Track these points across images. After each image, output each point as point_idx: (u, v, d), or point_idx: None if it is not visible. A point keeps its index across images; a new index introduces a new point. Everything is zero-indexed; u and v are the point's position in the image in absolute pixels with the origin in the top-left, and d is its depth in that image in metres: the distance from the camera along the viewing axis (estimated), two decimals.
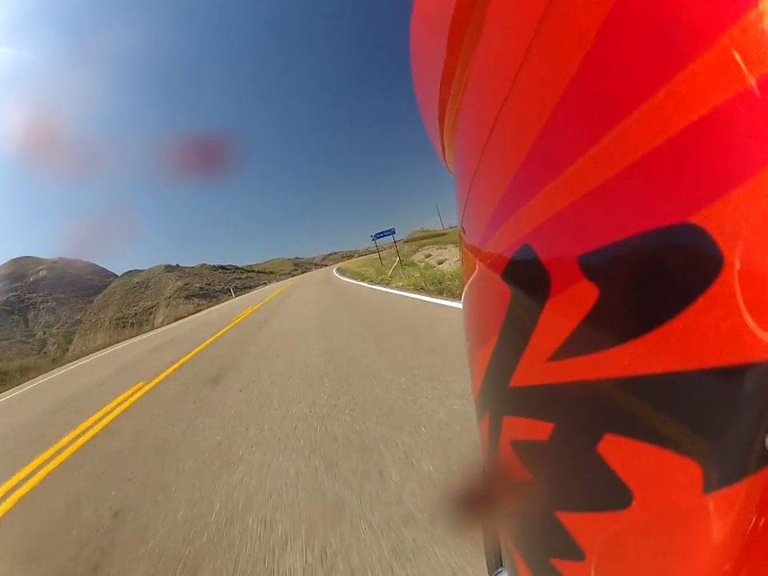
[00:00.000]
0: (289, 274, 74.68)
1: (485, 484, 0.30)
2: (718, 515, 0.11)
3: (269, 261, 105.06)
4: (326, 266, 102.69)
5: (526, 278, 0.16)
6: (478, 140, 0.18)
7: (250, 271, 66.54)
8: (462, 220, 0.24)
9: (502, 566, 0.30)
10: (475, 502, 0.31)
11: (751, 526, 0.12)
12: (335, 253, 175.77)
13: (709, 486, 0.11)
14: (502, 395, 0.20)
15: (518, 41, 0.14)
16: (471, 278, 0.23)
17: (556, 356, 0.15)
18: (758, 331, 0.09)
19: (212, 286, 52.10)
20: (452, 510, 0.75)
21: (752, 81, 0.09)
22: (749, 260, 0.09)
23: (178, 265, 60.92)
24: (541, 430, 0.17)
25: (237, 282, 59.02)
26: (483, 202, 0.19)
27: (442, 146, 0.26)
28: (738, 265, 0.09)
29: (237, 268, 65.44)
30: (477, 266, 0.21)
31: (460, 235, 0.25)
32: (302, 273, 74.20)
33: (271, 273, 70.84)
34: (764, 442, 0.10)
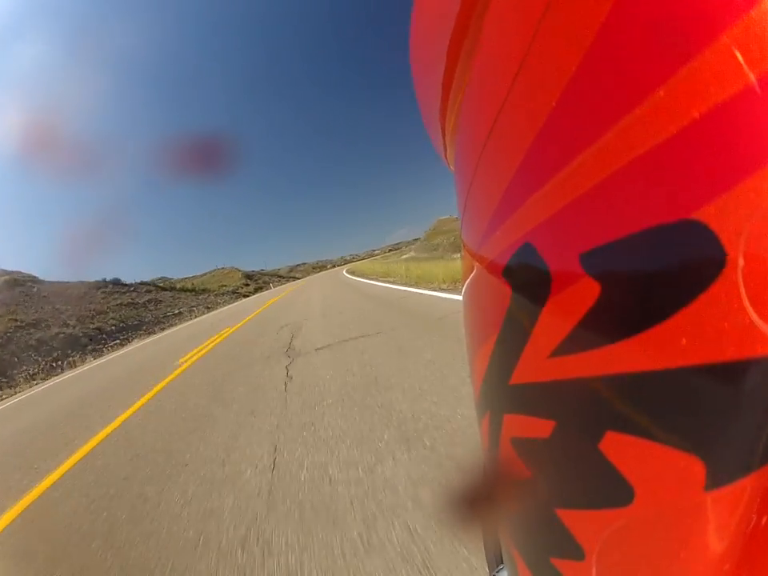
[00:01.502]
0: (233, 292, 45.31)
1: (485, 482, 0.29)
2: (720, 513, 0.11)
3: (210, 272, 72.84)
4: (296, 278, 75.33)
5: (527, 275, 0.16)
6: (479, 138, 0.18)
7: (165, 289, 37.51)
8: (462, 218, 0.23)
9: (502, 563, 0.30)
10: (475, 500, 0.30)
11: (752, 524, 0.11)
12: (304, 263, 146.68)
13: (711, 484, 0.11)
14: (503, 393, 0.20)
15: (518, 39, 0.14)
16: (471, 276, 0.23)
17: (557, 353, 0.14)
18: (762, 327, 0.09)
19: (38, 328, 22.12)
20: (452, 509, 0.74)
21: (753, 78, 0.09)
22: (752, 256, 0.09)
23: (32, 278, 30.35)
24: (542, 427, 0.16)
25: (121, 311, 29.10)
26: (484, 200, 0.19)
27: (444, 144, 0.26)
28: (741, 261, 0.09)
29: (143, 283, 36.83)
30: (477, 264, 0.21)
31: (460, 233, 0.25)
32: (256, 291, 45.17)
33: (204, 291, 42.32)
34: (767, 438, 0.10)
